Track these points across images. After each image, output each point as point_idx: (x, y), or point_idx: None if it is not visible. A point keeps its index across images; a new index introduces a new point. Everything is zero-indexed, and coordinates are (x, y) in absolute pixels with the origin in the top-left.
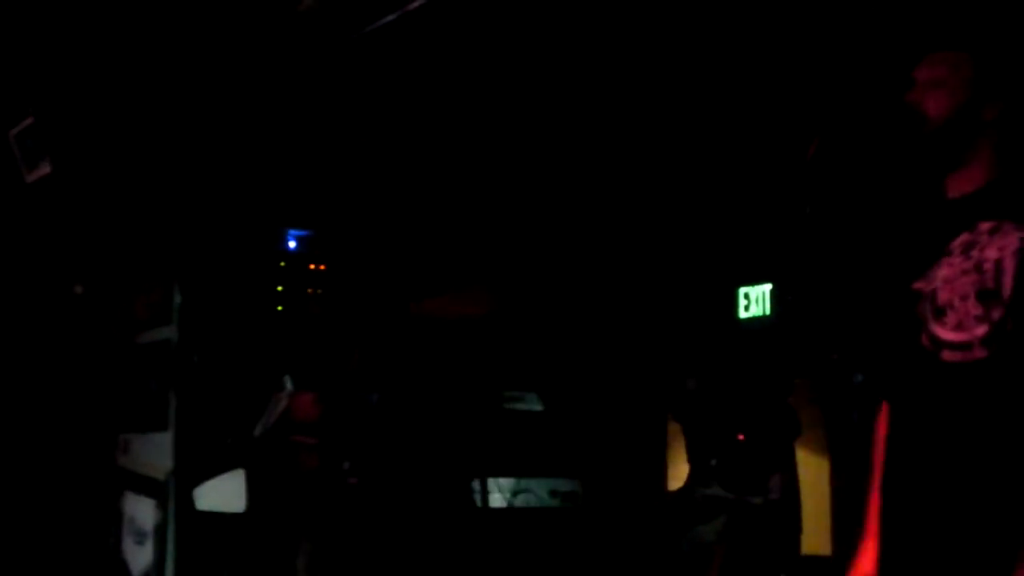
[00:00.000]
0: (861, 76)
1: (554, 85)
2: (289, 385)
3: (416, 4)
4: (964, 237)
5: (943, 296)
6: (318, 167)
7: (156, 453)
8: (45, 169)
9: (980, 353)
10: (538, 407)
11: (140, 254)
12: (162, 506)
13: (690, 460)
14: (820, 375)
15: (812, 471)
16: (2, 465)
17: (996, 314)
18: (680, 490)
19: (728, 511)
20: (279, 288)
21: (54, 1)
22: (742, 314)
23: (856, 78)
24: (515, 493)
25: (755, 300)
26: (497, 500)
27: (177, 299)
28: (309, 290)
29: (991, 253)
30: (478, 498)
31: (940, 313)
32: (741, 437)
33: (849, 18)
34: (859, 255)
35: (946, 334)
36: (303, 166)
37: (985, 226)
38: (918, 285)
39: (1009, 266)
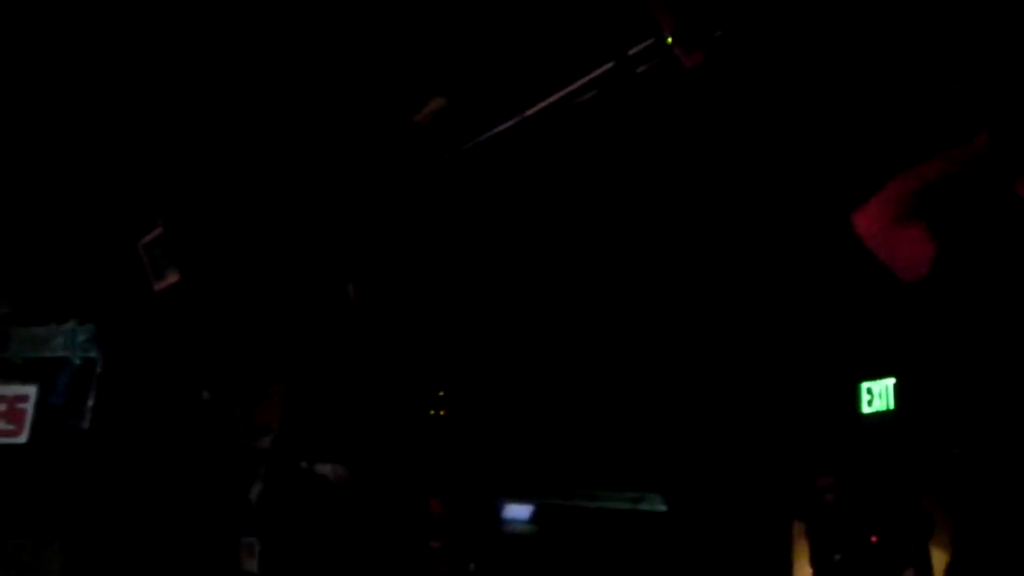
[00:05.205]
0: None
1: (667, 181)
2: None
3: (533, 111)
4: None
5: None
6: (427, 274)
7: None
8: (173, 278)
9: None
10: (662, 507)
11: (260, 362)
12: None
13: (814, 559)
14: (944, 471)
15: (942, 569)
16: (128, 566)
17: None
18: None
19: None
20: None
21: (181, 116)
22: (864, 409)
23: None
24: None
25: (878, 395)
26: None
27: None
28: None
29: None
30: None
31: None
32: (874, 539)
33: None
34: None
35: None
36: (414, 274)
37: None
38: None
39: None
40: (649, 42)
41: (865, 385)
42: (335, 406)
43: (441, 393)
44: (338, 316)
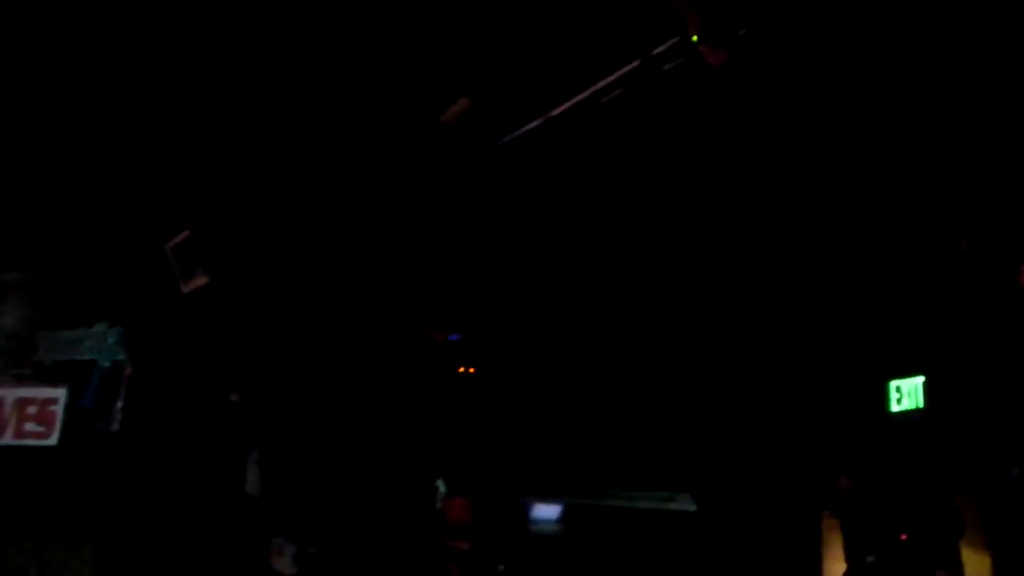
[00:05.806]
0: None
1: (695, 179)
2: (442, 488)
3: (558, 111)
4: None
5: None
6: (466, 274)
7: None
8: (201, 280)
9: None
10: (692, 507)
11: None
12: None
13: (848, 557)
14: (977, 470)
15: (973, 569)
16: (159, 567)
17: None
18: None
19: None
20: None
21: (209, 121)
22: (894, 408)
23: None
24: None
25: (907, 393)
26: None
27: None
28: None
29: None
30: None
31: None
32: (904, 537)
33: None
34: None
35: None
36: (451, 274)
37: None
38: None
39: None
40: (674, 41)
41: (894, 383)
42: (359, 407)
43: (471, 369)
44: (364, 318)
